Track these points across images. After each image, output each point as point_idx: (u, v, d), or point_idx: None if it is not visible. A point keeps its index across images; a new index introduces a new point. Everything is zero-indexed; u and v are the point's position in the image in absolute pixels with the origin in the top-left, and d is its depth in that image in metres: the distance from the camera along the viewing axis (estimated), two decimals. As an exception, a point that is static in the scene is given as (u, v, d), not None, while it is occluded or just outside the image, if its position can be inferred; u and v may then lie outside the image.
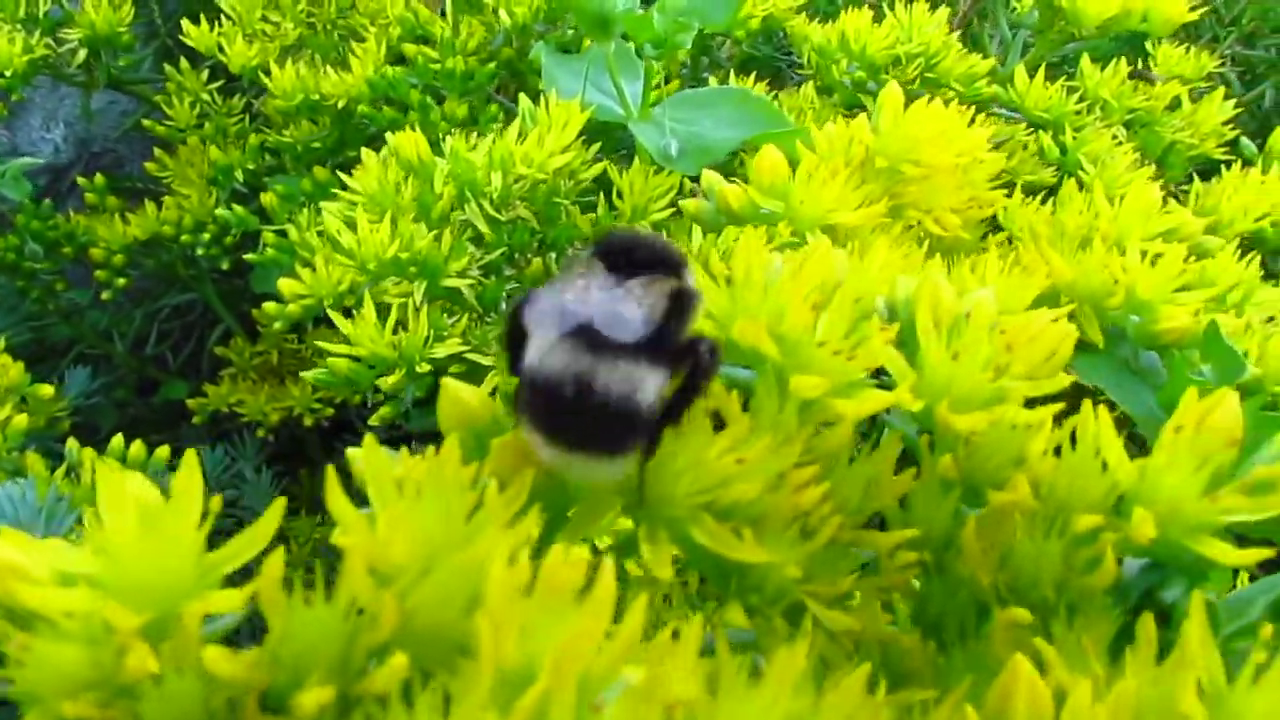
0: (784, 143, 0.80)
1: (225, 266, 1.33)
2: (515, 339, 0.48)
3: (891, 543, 0.49)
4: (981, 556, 0.47)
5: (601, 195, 0.95)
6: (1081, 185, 0.91)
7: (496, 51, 1.23)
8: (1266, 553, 0.44)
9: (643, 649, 0.36)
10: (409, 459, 0.43)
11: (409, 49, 1.22)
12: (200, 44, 1.30)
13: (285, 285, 0.92)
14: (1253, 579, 0.53)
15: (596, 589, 0.36)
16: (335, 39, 1.34)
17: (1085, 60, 1.18)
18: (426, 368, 0.85)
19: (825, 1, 1.48)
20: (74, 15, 1.31)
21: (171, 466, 1.02)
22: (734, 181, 0.78)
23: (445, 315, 0.88)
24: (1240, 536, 0.47)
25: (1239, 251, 0.80)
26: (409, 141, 0.90)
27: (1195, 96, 1.24)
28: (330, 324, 0.88)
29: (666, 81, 1.12)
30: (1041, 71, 1.15)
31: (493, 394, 0.63)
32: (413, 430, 0.97)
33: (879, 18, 1.18)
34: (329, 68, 1.26)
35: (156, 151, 1.37)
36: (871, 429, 0.59)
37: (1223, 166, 1.04)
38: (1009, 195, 0.88)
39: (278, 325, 0.95)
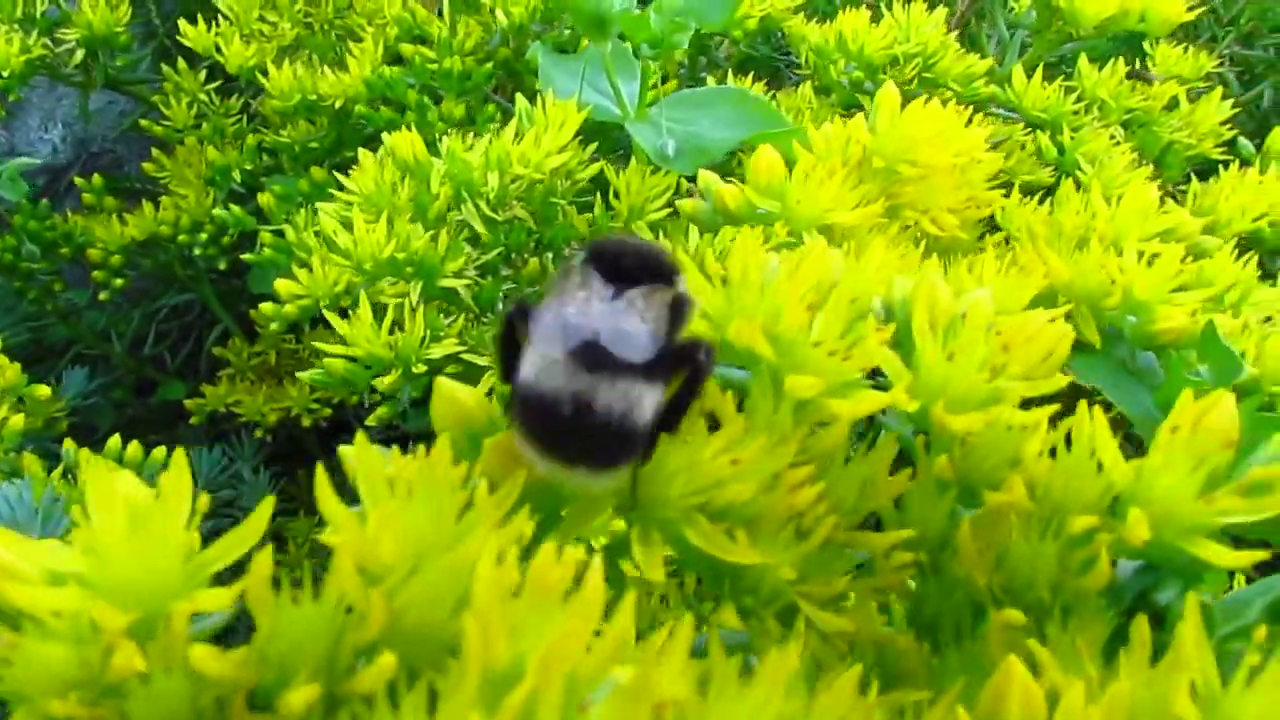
0: (781, 143, 0.80)
1: (223, 267, 1.33)
2: (509, 346, 0.48)
3: (887, 543, 0.49)
4: (977, 557, 0.47)
5: (598, 195, 0.95)
6: (1079, 185, 0.90)
7: (493, 51, 1.23)
8: (1262, 555, 0.44)
9: (634, 649, 0.36)
10: (400, 458, 0.43)
11: (406, 49, 1.22)
12: (198, 44, 1.30)
13: (282, 286, 0.92)
14: (1249, 581, 0.53)
15: (585, 589, 0.36)
16: (332, 39, 1.34)
17: (1083, 60, 1.18)
18: (423, 368, 0.85)
19: (823, 1, 1.48)
20: (71, 15, 1.31)
21: (168, 467, 1.02)
22: (731, 181, 0.78)
23: (442, 315, 0.88)
24: (1236, 538, 0.46)
25: (1236, 251, 0.80)
26: (405, 141, 0.90)
27: (1193, 96, 1.24)
28: (328, 324, 0.88)
29: (664, 81, 1.12)
30: (1039, 71, 1.14)
31: (489, 394, 0.63)
32: (410, 430, 0.97)
33: (877, 18, 1.18)
34: (326, 68, 1.26)
35: (154, 152, 1.37)
36: (867, 429, 0.58)
37: (1220, 166, 1.04)
38: (1006, 195, 0.88)
39: (275, 326, 0.95)
